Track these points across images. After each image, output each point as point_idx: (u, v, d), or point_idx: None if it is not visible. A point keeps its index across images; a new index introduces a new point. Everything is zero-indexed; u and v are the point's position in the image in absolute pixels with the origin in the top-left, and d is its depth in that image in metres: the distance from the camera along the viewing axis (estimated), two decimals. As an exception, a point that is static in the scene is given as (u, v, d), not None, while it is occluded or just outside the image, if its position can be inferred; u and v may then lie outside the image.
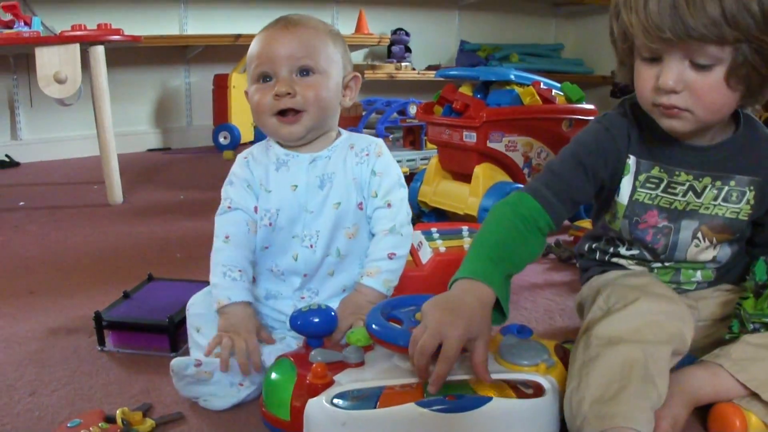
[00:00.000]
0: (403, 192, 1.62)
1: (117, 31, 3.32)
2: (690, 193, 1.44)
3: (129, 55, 4.92)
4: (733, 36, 1.19)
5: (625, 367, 1.19)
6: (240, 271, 1.50)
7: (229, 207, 1.57)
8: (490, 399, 1.15)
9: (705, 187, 1.44)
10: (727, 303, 1.52)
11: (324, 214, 1.55)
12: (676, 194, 1.45)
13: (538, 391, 1.22)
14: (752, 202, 1.44)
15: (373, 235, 1.61)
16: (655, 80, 1.30)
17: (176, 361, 1.34)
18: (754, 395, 1.30)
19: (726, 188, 1.44)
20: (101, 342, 1.68)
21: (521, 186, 2.56)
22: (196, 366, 1.34)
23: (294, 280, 1.58)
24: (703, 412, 1.36)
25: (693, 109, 1.30)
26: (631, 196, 1.47)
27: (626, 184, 1.47)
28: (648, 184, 1.46)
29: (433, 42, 6.52)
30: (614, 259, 1.59)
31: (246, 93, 1.60)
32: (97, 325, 1.67)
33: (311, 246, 1.55)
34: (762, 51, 1.22)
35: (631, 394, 1.16)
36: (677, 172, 1.43)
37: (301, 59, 1.51)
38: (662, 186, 1.45)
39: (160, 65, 5.29)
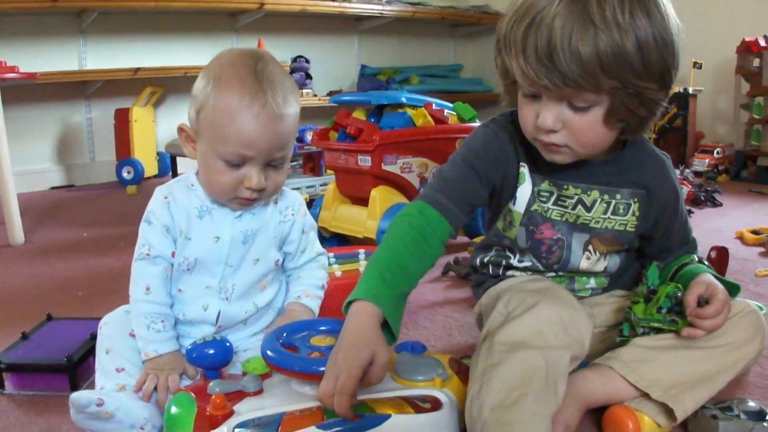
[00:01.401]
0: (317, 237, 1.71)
1: (12, 69, 3.28)
2: (579, 206, 1.49)
3: (27, 91, 4.85)
4: (609, 84, 1.23)
5: (527, 374, 1.21)
6: (162, 321, 1.50)
7: (148, 254, 1.51)
8: (389, 416, 1.18)
9: (594, 201, 1.48)
10: (621, 309, 1.57)
11: (243, 268, 1.56)
12: (566, 207, 1.49)
13: (435, 404, 1.25)
14: (637, 213, 1.50)
15: (291, 269, 1.69)
16: (536, 117, 1.34)
17: (77, 396, 1.30)
18: (646, 396, 1.36)
19: (613, 201, 1.49)
20: (0, 385, 1.67)
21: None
22: (98, 405, 1.31)
23: (205, 329, 1.56)
24: (597, 415, 1.41)
25: (571, 146, 1.34)
26: (529, 206, 1.51)
27: (523, 194, 1.51)
28: (540, 198, 1.50)
29: (334, 68, 6.54)
30: (509, 272, 1.62)
31: (182, 133, 1.52)
32: (-5, 367, 1.65)
33: (227, 299, 1.55)
34: (640, 95, 1.26)
35: (531, 402, 1.18)
36: (565, 186, 1.48)
37: (278, 153, 1.48)
38: (553, 199, 1.50)
39: (59, 101, 5.20)
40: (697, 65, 4.91)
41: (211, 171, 1.48)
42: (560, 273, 1.59)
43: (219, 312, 1.54)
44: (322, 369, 1.21)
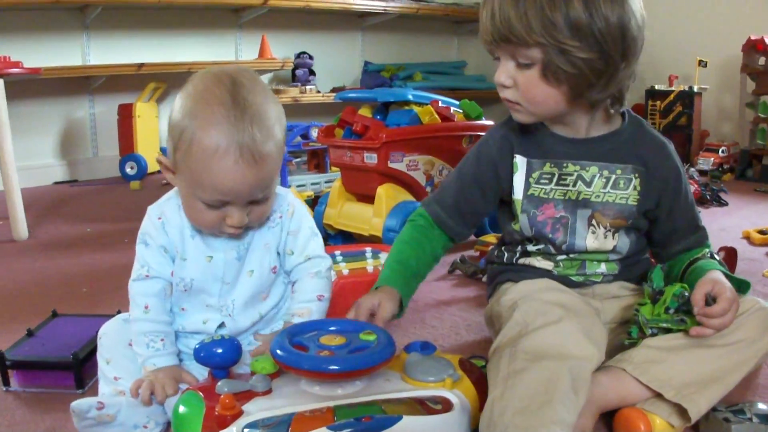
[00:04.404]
0: (318, 240, 1.60)
1: (16, 64, 3.26)
2: (579, 182, 1.55)
3: (30, 87, 4.85)
4: (536, 41, 1.37)
5: (551, 382, 1.22)
6: (162, 340, 1.47)
7: (147, 275, 1.48)
8: (400, 418, 1.17)
9: (593, 177, 1.54)
10: (629, 307, 1.57)
11: (239, 283, 1.52)
12: (567, 185, 1.55)
13: (446, 405, 1.25)
14: (639, 188, 1.54)
15: (293, 282, 1.59)
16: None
17: (77, 403, 1.31)
18: (658, 397, 1.36)
19: (613, 176, 1.54)
20: (6, 382, 1.67)
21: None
22: (98, 409, 1.31)
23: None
24: (607, 417, 1.41)
25: (521, 102, 1.49)
26: (525, 192, 1.58)
27: (518, 181, 1.59)
28: (542, 180, 1.57)
29: (338, 64, 6.54)
30: (522, 260, 1.66)
31: (161, 164, 1.45)
32: (1, 365, 1.65)
33: (230, 315, 1.52)
34: (566, 53, 1.37)
35: (555, 409, 1.19)
36: (565, 164, 1.56)
37: (260, 194, 1.40)
38: (555, 179, 1.56)
39: (63, 96, 5.19)
40: (702, 63, 4.90)
41: (191, 209, 1.44)
42: (571, 255, 1.61)
43: (221, 324, 1.52)
44: (332, 367, 1.22)
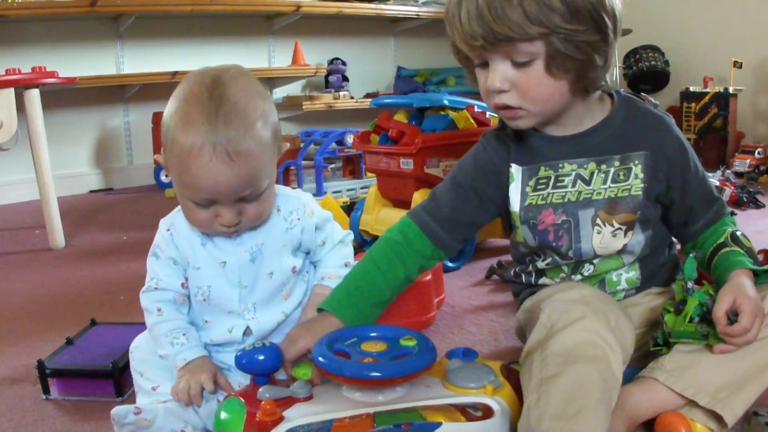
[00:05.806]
0: (339, 226, 1.63)
1: (52, 74, 3.28)
2: (579, 181, 1.49)
3: (66, 96, 4.89)
4: (539, 32, 1.29)
5: (585, 385, 1.20)
6: (184, 334, 1.48)
7: (156, 288, 1.51)
8: (439, 424, 1.17)
9: (592, 173, 1.48)
10: (655, 309, 1.53)
11: (258, 286, 1.51)
12: (565, 186, 1.49)
13: (487, 412, 1.24)
14: (641, 176, 1.48)
15: (316, 261, 1.62)
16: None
17: (116, 410, 1.32)
18: (693, 402, 1.32)
19: (612, 170, 1.48)
20: (46, 390, 1.67)
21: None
22: (135, 414, 1.32)
23: (234, 348, 1.51)
24: (648, 422, 1.38)
25: (524, 106, 1.39)
26: (522, 202, 1.51)
27: (514, 192, 1.52)
28: (539, 187, 1.50)
29: (370, 70, 6.55)
30: (540, 280, 1.61)
31: (161, 163, 1.46)
32: (41, 373, 1.65)
33: (252, 318, 1.51)
34: (571, 39, 1.30)
35: (591, 415, 1.17)
36: (561, 165, 1.49)
37: (245, 191, 1.38)
38: (551, 183, 1.50)
39: (98, 105, 5.23)
40: (737, 64, 4.85)
41: (185, 207, 1.44)
42: (585, 273, 1.56)
43: (246, 330, 1.51)
44: (374, 374, 1.22)
